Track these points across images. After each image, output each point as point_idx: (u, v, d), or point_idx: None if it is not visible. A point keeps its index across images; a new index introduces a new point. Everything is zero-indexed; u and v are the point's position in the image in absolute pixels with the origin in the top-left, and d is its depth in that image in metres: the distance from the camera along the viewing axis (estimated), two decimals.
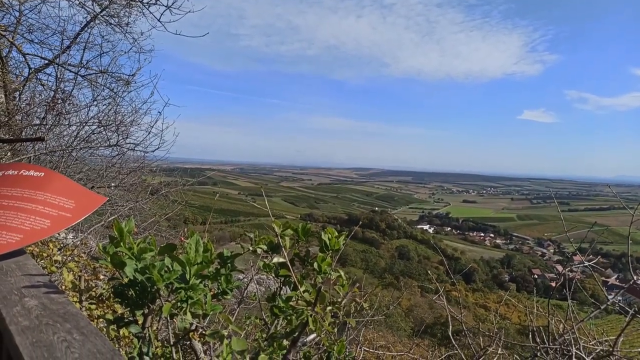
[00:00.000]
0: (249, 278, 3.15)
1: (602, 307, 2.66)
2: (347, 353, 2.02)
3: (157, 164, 8.67)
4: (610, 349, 2.23)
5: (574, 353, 2.22)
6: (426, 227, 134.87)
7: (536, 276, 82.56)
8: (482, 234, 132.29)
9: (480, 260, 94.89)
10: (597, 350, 2.34)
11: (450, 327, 2.79)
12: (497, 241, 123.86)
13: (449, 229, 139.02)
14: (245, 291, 3.68)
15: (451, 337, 2.73)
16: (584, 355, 2.28)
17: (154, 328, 2.69)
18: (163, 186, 9.01)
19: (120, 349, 2.98)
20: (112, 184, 8.25)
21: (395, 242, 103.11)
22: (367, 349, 3.48)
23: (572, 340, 2.37)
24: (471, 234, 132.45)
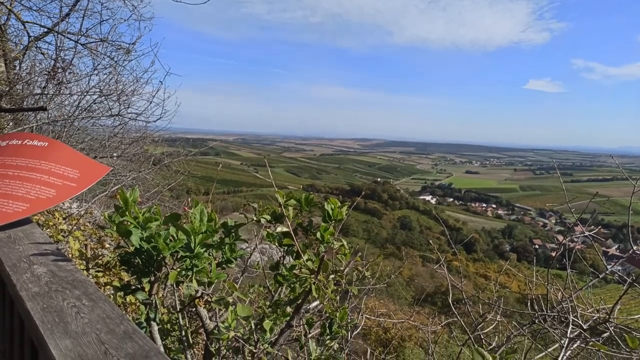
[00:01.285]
0: (252, 248, 3.19)
1: (600, 276, 2.70)
2: (349, 320, 2.07)
3: (159, 134, 8.66)
4: (607, 317, 2.27)
5: (571, 320, 2.27)
6: (428, 197, 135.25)
7: (537, 246, 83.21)
8: (484, 205, 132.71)
9: (481, 230, 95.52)
10: (595, 318, 2.39)
11: (450, 295, 2.84)
12: (499, 212, 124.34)
13: (451, 199, 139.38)
14: (249, 260, 3.74)
15: (451, 305, 2.78)
16: (580, 322, 2.32)
17: (160, 295, 2.75)
18: (165, 156, 9.02)
19: (128, 315, 3.06)
20: (115, 154, 8.26)
21: (397, 212, 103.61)
22: (368, 317, 3.55)
23: (570, 308, 2.41)
24: (473, 204, 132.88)
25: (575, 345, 2.27)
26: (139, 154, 8.43)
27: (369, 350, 2.72)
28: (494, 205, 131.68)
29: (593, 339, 2.28)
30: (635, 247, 2.91)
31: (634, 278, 2.39)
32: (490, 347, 2.39)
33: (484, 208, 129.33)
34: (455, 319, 3.02)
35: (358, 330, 3.11)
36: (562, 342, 2.26)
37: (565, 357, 2.19)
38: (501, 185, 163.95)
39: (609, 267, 2.61)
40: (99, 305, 1.45)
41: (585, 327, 2.32)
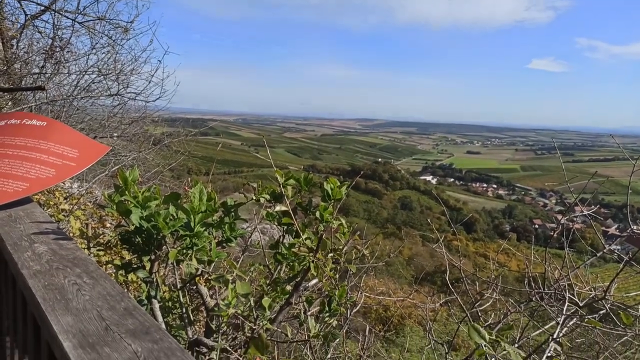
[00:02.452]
0: (253, 227, 3.21)
1: (598, 255, 2.72)
2: (347, 297, 2.09)
3: (158, 114, 8.63)
4: (603, 294, 2.30)
5: (567, 298, 2.29)
6: (429, 178, 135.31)
7: (537, 226, 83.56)
8: (485, 185, 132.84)
9: (482, 210, 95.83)
10: (591, 295, 2.42)
11: (448, 274, 2.87)
12: (500, 192, 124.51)
13: (452, 180, 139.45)
14: (249, 239, 3.76)
15: (448, 284, 2.81)
16: (577, 300, 2.35)
17: (161, 274, 2.77)
18: (165, 137, 9.00)
19: (130, 293, 3.09)
20: (115, 134, 8.25)
21: (397, 193, 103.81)
22: (368, 295, 3.59)
23: (566, 287, 2.44)
24: (474, 185, 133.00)
25: (571, 323, 2.31)
26: (139, 134, 8.41)
27: (367, 327, 2.76)
28: (494, 186, 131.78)
29: (589, 317, 2.31)
30: (635, 227, 2.93)
31: (630, 257, 2.40)
32: (487, 323, 2.43)
33: (484, 188, 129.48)
34: (454, 297, 3.05)
35: (357, 308, 3.15)
36: (559, 319, 2.29)
37: (561, 334, 2.23)
38: (502, 166, 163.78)
39: (607, 246, 2.63)
40: (100, 283, 1.46)
41: (581, 304, 2.35)
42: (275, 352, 2.60)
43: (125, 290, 3.03)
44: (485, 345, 1.32)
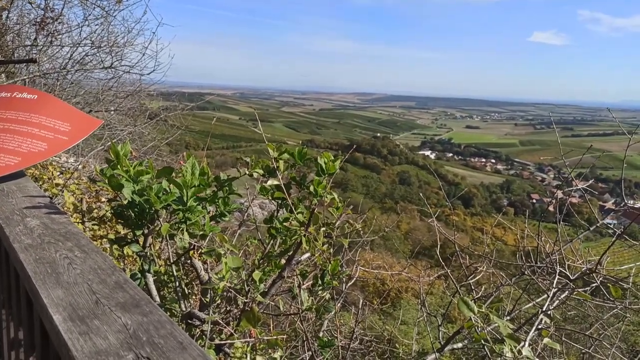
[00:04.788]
0: (250, 201, 3.21)
1: (590, 229, 2.74)
2: (342, 271, 2.11)
3: (154, 87, 8.52)
4: (593, 268, 2.32)
5: (557, 271, 2.32)
6: (428, 153, 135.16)
7: (534, 201, 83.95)
8: (484, 160, 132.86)
9: (480, 185, 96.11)
10: (584, 269, 2.44)
11: (438, 247, 2.89)
12: (498, 167, 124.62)
13: (450, 154, 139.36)
14: (246, 214, 3.77)
15: (439, 258, 2.83)
16: (567, 273, 2.38)
17: (157, 248, 2.78)
18: (161, 110, 8.92)
19: (126, 267, 3.11)
20: (112, 108, 8.16)
21: (396, 167, 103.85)
22: (363, 269, 3.62)
23: (558, 260, 2.46)
24: (472, 159, 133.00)
25: (563, 296, 2.34)
26: (135, 107, 8.33)
27: (361, 300, 2.80)
28: (493, 160, 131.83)
29: (579, 289, 2.34)
30: (632, 202, 2.94)
31: (622, 230, 2.42)
32: (477, 296, 2.46)
33: (483, 163, 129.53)
34: (446, 271, 3.08)
35: (352, 281, 3.18)
36: (550, 292, 2.32)
37: (552, 307, 2.26)
38: (501, 140, 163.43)
39: (600, 220, 2.64)
40: (91, 257, 1.47)
41: (572, 278, 2.38)
42: (272, 325, 2.63)
43: (122, 264, 3.06)
44: (474, 318, 1.34)
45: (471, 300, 2.41)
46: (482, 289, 2.69)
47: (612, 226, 2.78)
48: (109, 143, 6.01)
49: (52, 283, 1.26)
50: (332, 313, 2.91)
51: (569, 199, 2.81)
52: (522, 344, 1.77)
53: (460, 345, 2.51)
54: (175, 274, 1.93)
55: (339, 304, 3.14)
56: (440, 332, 2.70)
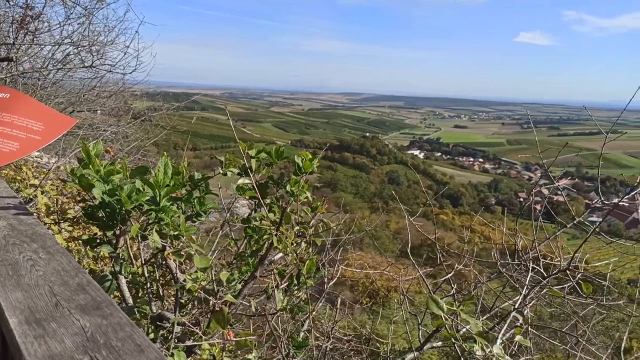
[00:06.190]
0: (233, 200, 3.18)
1: (568, 226, 2.76)
2: (318, 271, 2.09)
3: (138, 87, 8.44)
4: (567, 265, 2.34)
5: (530, 268, 2.33)
6: (416, 152, 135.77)
7: (522, 199, 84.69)
8: (472, 159, 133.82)
9: (468, 184, 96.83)
10: (560, 266, 2.46)
11: (409, 244, 2.90)
12: (486, 166, 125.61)
13: (439, 154, 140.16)
14: (228, 213, 3.74)
15: (409, 255, 2.84)
16: (542, 270, 2.40)
17: (134, 249, 2.74)
18: (146, 110, 8.84)
19: (105, 267, 3.07)
20: (98, 109, 8.07)
21: (385, 167, 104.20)
22: (346, 268, 3.60)
23: (532, 258, 2.47)
24: (461, 159, 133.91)
25: (533, 293, 2.36)
26: (119, 107, 8.24)
27: (339, 300, 2.79)
28: (481, 160, 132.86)
29: (551, 287, 2.36)
30: (606, 199, 2.97)
31: (596, 227, 2.44)
32: (450, 293, 2.47)
33: (471, 162, 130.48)
34: (429, 270, 3.08)
35: (334, 280, 3.16)
36: (523, 290, 2.33)
37: (529, 305, 2.27)
38: (489, 140, 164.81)
39: (580, 217, 2.66)
40: (56, 258, 1.44)
41: (546, 275, 2.39)
42: (251, 326, 2.61)
43: (99, 265, 3.01)
44: (443, 316, 1.33)
45: (449, 298, 2.42)
46: (456, 286, 2.69)
47: (597, 223, 2.79)
48: (92, 143, 5.95)
49: (11, 285, 1.23)
50: (313, 313, 2.89)
51: (546, 198, 2.83)
52: (496, 341, 1.77)
53: (439, 343, 2.51)
54: (147, 274, 1.89)
55: (320, 304, 3.13)
56: (420, 331, 2.71)
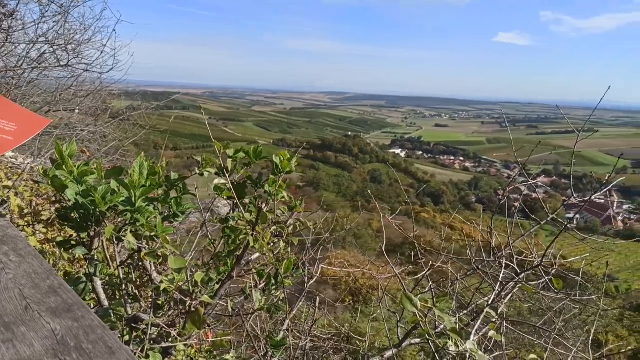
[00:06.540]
0: (213, 200, 3.16)
1: (541, 223, 2.82)
2: (297, 270, 2.09)
3: (116, 86, 8.31)
4: (540, 261, 2.39)
5: (504, 264, 2.38)
6: (398, 151, 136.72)
7: (500, 197, 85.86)
8: (453, 158, 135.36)
9: (449, 183, 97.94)
10: (536, 262, 2.51)
11: (384, 242, 2.92)
12: (466, 164, 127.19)
13: (420, 153, 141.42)
14: (208, 213, 3.71)
15: (385, 254, 2.87)
16: (514, 266, 2.45)
17: (112, 250, 2.70)
18: (125, 109, 8.71)
19: (81, 269, 3.02)
20: (77, 108, 7.92)
21: (367, 166, 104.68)
22: (326, 267, 3.62)
23: (505, 254, 2.52)
24: (442, 157, 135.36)
25: (515, 289, 2.41)
26: (96, 107, 8.10)
27: (318, 299, 2.79)
28: (461, 158, 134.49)
29: (526, 282, 2.41)
30: (576, 195, 3.05)
31: (567, 223, 2.50)
32: (425, 290, 2.50)
33: (452, 161, 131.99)
34: (406, 267, 3.11)
35: (314, 280, 3.17)
36: (506, 286, 2.38)
37: (505, 301, 2.31)
38: (469, 138, 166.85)
39: (551, 214, 2.72)
40: (27, 261, 1.41)
41: (520, 271, 2.44)
42: (231, 326, 2.60)
43: (76, 267, 2.96)
44: (417, 313, 1.35)
45: (428, 295, 2.45)
46: (432, 283, 2.73)
47: (570, 220, 2.84)
48: (65, 143, 5.84)
49: None
50: (293, 312, 2.90)
51: (522, 195, 2.88)
52: (470, 337, 1.80)
53: (418, 340, 2.54)
54: (122, 276, 1.87)
55: (300, 303, 3.14)
56: (400, 329, 2.73)
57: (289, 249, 2.26)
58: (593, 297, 2.97)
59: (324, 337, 2.81)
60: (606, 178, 2.40)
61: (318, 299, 2.68)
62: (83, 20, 6.76)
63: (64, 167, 1.90)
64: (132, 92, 10.63)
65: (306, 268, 3.05)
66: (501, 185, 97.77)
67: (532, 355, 1.63)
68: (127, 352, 0.95)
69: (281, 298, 1.99)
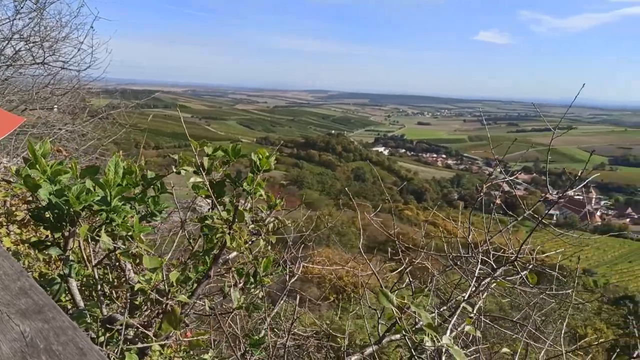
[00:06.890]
0: (193, 199, 3.13)
1: (518, 219, 2.87)
2: (276, 268, 2.09)
3: (98, 85, 8.18)
4: (515, 256, 2.43)
5: (479, 260, 2.42)
6: (381, 149, 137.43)
7: (480, 194, 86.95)
8: (435, 155, 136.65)
9: (432, 180, 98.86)
10: (513, 258, 2.55)
11: (362, 239, 2.94)
12: (449, 162, 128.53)
13: (403, 150, 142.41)
14: (189, 212, 3.68)
15: (361, 251, 2.89)
16: (491, 262, 2.49)
17: (88, 251, 2.66)
18: (104, 108, 8.58)
19: (57, 270, 2.97)
20: (55, 106, 7.77)
21: (351, 164, 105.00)
22: (307, 265, 3.61)
23: (481, 251, 2.56)
24: (424, 155, 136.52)
25: (492, 284, 2.44)
26: (74, 105, 7.96)
27: (298, 297, 2.80)
28: (444, 156, 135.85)
29: (503, 278, 2.45)
30: (552, 191, 3.10)
31: (540, 219, 2.54)
32: (403, 286, 2.53)
33: (434, 158, 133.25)
34: (393, 263, 3.13)
35: (295, 278, 3.16)
36: (482, 281, 2.42)
37: (483, 296, 2.35)
38: (451, 136, 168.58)
39: (528, 211, 2.77)
40: None
41: (495, 266, 2.48)
42: (211, 325, 2.58)
43: (52, 268, 2.91)
44: (393, 309, 1.36)
45: (407, 291, 2.47)
46: (410, 279, 2.76)
47: (546, 216, 2.90)
48: (39, 142, 5.73)
49: None
50: (274, 311, 2.89)
51: (500, 191, 2.93)
52: (447, 332, 1.82)
53: (397, 336, 2.55)
54: (98, 276, 1.85)
55: (282, 301, 3.13)
56: (380, 325, 2.75)
57: (269, 247, 2.26)
58: (569, 291, 3.02)
59: (306, 335, 2.81)
60: (579, 174, 2.45)
61: (299, 297, 2.68)
62: (59, 17, 6.64)
63: (37, 166, 1.87)
64: (111, 90, 10.47)
65: (287, 266, 3.04)
66: (482, 183, 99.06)
67: (505, 349, 1.66)
68: (98, 353, 0.94)
69: (260, 297, 1.98)
